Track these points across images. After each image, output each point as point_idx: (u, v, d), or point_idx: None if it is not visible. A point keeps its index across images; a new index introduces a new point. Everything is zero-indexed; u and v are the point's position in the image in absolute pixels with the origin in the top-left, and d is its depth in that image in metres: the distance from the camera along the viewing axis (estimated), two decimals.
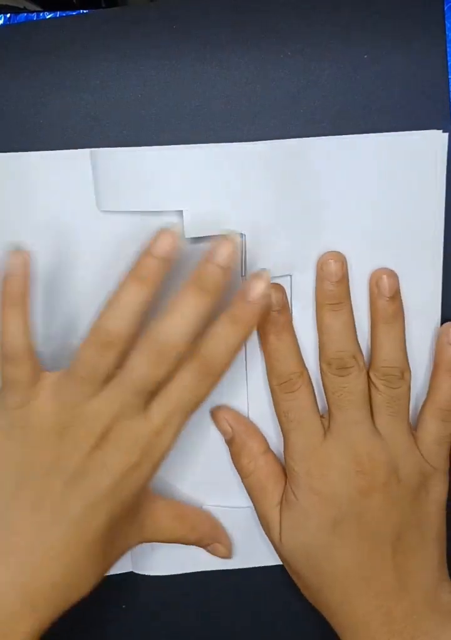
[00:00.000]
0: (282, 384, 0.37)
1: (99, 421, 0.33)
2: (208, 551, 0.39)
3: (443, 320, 0.37)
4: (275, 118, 0.36)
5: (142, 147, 0.35)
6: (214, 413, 0.39)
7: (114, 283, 0.37)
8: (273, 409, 0.38)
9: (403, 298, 0.36)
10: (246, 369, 0.38)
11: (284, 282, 0.37)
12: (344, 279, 0.36)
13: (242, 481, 0.39)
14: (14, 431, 0.33)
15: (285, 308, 0.36)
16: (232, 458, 0.39)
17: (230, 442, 0.39)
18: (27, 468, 0.32)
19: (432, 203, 0.36)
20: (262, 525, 0.39)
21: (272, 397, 0.38)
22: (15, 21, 0.37)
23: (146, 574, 0.41)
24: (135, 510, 0.35)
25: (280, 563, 0.39)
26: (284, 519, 0.37)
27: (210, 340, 0.33)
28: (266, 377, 0.38)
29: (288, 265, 0.36)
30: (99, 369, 0.33)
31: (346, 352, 0.36)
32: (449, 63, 0.35)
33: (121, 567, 0.41)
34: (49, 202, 0.37)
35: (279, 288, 0.36)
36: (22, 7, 0.38)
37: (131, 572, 0.41)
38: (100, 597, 0.42)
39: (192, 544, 0.39)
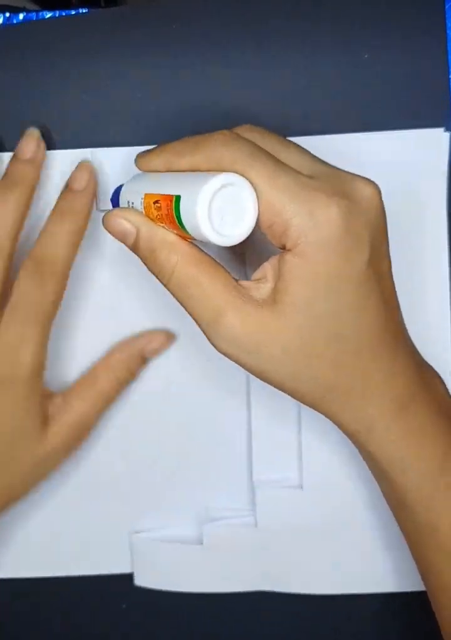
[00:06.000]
0: None
1: None
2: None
3: None
4: (275, 118, 0.36)
5: (142, 147, 0.35)
6: (106, 219, 0.30)
7: (112, 283, 0.37)
8: (277, 417, 0.38)
9: (405, 297, 0.36)
10: (247, 376, 0.38)
11: None
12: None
13: (169, 288, 0.29)
14: None
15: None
16: (145, 265, 0.30)
17: (135, 245, 0.30)
18: None
19: (434, 201, 0.36)
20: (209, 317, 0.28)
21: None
22: (15, 21, 0.37)
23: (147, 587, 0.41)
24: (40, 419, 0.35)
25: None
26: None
27: (42, 239, 0.34)
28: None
29: None
30: None
31: None
32: (449, 63, 0.35)
33: (121, 568, 0.41)
34: (49, 202, 0.37)
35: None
36: (21, 6, 0.38)
37: (131, 573, 0.41)
38: (100, 597, 0.42)
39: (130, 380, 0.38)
